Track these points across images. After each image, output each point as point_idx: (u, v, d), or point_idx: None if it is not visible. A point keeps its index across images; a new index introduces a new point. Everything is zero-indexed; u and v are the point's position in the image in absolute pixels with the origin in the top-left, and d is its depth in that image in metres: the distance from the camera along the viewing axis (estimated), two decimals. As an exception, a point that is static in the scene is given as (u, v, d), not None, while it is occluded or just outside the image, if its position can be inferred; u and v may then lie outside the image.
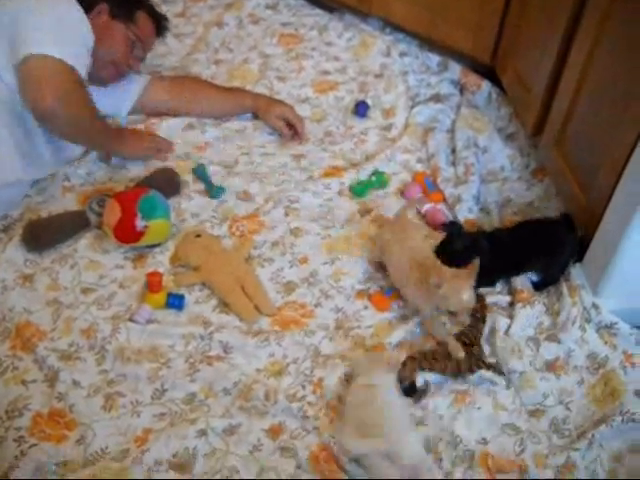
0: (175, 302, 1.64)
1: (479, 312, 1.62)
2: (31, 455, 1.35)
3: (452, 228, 1.75)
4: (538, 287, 1.73)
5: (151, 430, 1.41)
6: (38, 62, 1.63)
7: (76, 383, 1.48)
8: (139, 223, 1.70)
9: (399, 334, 1.62)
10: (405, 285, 1.63)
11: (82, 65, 1.73)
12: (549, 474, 1.36)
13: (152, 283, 1.64)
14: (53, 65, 1.64)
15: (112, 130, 1.98)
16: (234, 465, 1.37)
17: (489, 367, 1.54)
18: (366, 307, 1.70)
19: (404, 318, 1.67)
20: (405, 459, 1.31)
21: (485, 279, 1.64)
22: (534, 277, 1.75)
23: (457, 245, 1.65)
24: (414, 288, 1.59)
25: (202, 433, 1.41)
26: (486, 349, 1.60)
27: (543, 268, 1.74)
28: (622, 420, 1.44)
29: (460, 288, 1.47)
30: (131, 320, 1.60)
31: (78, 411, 1.44)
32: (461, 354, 1.52)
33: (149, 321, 1.61)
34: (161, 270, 1.72)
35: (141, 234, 1.72)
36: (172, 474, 1.35)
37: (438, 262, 1.56)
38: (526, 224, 1.79)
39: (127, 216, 1.70)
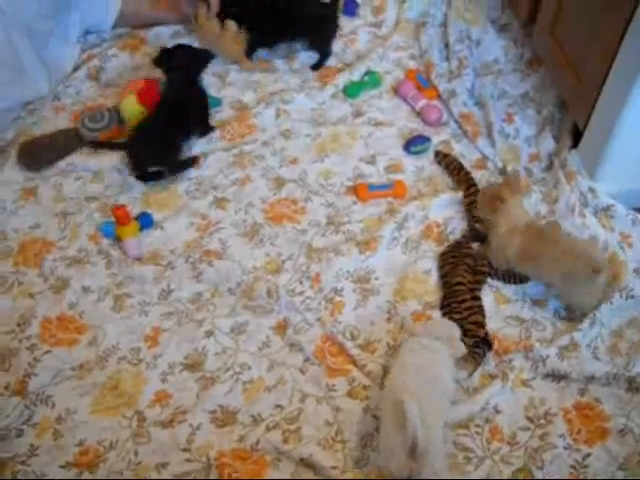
0: (146, 222, 1.64)
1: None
2: (45, 362, 1.39)
3: None
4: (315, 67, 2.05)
5: (159, 329, 1.46)
6: None
7: (86, 289, 1.52)
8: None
9: (388, 228, 1.63)
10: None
11: None
12: (553, 352, 1.39)
13: (120, 216, 1.59)
14: None
15: None
16: (245, 362, 1.41)
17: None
18: (355, 202, 1.71)
19: (392, 212, 1.68)
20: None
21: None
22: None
23: None
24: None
25: (210, 334, 1.45)
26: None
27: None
28: (621, 297, 1.47)
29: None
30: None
31: (89, 316, 1.48)
32: None
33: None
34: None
35: None
36: (185, 374, 1.39)
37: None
38: None
39: (150, 85, 1.84)
